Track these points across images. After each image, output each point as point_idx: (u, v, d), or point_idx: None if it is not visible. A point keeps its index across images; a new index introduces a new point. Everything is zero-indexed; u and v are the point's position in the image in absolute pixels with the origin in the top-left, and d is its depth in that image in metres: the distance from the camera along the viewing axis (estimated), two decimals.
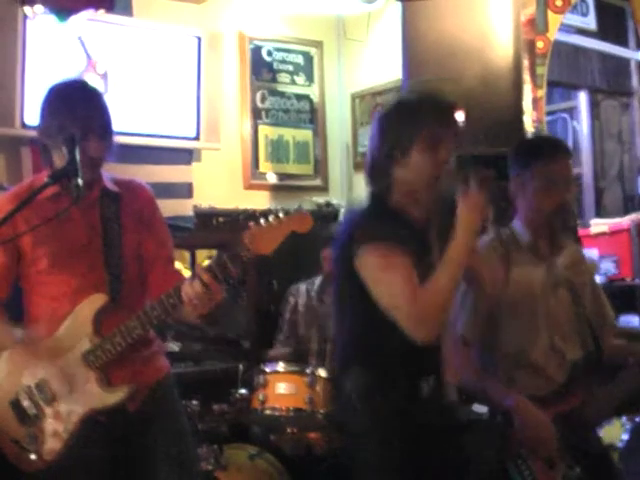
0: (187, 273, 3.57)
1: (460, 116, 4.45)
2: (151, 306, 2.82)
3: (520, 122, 4.76)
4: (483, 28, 4.70)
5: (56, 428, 2.88)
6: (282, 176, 6.14)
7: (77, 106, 2.92)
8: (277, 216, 2.64)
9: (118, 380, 2.89)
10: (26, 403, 2.91)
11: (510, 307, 3.30)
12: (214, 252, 5.18)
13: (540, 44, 5.08)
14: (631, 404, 3.77)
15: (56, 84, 3.03)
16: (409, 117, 2.90)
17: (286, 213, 2.65)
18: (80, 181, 2.75)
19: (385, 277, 2.77)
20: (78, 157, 2.77)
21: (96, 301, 2.91)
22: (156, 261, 3.09)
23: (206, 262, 2.76)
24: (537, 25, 5.08)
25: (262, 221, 2.63)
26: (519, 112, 4.75)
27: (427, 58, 4.77)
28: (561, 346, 3.34)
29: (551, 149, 3.40)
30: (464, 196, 2.78)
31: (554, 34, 5.27)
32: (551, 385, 3.29)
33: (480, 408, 3.41)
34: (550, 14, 5.23)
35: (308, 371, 4.29)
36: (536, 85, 5.03)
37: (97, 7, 3.64)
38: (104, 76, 5.02)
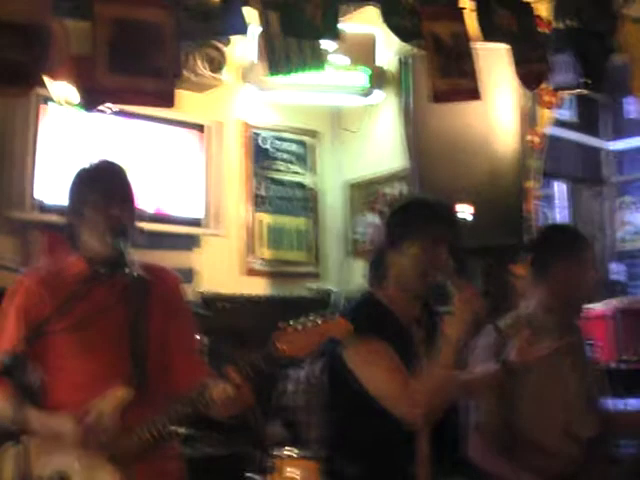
0: None
1: (467, 210, 4.62)
2: (182, 403, 2.75)
3: (522, 214, 4.88)
4: (489, 122, 4.85)
5: None
6: (279, 262, 6.16)
7: (98, 178, 3.01)
8: (315, 321, 2.62)
9: (141, 477, 2.77)
10: None
11: (529, 394, 3.40)
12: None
13: (536, 139, 5.23)
14: None
15: (82, 166, 3.10)
16: (408, 214, 3.22)
17: (323, 319, 2.63)
18: (128, 270, 2.85)
19: (374, 369, 2.94)
20: (126, 247, 2.86)
21: (120, 393, 2.79)
22: (181, 350, 3.03)
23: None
24: (530, 120, 5.24)
25: (299, 325, 2.61)
26: (522, 204, 4.88)
27: (434, 150, 4.91)
28: (576, 428, 3.45)
29: (578, 240, 3.58)
30: (460, 289, 2.94)
31: (545, 128, 5.44)
32: (566, 466, 3.38)
33: None
34: (540, 109, 5.40)
35: (321, 457, 4.30)
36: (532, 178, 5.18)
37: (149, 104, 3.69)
38: None
